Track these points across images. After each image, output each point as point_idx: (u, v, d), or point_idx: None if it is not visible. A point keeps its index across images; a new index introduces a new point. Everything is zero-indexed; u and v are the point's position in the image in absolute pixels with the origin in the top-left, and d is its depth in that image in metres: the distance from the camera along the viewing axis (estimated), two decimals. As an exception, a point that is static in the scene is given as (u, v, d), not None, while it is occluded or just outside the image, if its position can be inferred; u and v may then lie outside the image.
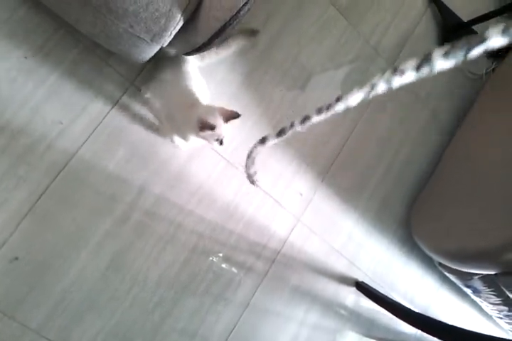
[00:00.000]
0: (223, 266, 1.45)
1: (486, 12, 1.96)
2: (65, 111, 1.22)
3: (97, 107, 1.26)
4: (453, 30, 2.02)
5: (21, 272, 1.16)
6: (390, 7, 1.89)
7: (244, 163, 0.90)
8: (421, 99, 1.96)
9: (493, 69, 2.14)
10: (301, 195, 1.63)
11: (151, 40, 1.00)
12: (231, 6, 0.89)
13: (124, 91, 1.30)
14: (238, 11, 0.90)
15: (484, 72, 2.13)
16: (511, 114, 1.69)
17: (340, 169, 1.71)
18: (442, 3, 2.01)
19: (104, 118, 1.27)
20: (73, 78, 1.23)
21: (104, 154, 1.27)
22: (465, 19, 2.03)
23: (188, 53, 1.13)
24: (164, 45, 1.03)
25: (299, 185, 1.62)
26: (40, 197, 1.18)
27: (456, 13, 2.04)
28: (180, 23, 0.98)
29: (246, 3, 0.89)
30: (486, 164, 1.65)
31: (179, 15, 0.96)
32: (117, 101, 1.29)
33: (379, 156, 1.84)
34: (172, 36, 1.00)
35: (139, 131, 1.32)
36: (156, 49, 1.09)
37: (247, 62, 1.51)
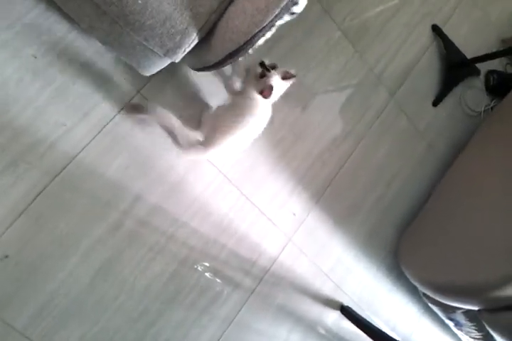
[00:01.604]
0: (211, 280, 1.45)
1: (491, 51, 2.02)
2: (70, 114, 1.22)
3: (102, 112, 1.26)
4: (456, 66, 2.07)
5: (10, 271, 1.15)
6: (397, 38, 1.94)
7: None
8: (419, 132, 2.00)
9: (492, 108, 2.19)
10: (295, 214, 1.64)
11: (164, 55, 1.01)
12: (247, 31, 0.91)
13: (130, 99, 1.31)
14: (253, 36, 0.92)
15: (483, 109, 2.17)
16: (508, 151, 1.72)
17: (335, 192, 1.73)
18: (448, 38, 2.07)
19: (107, 123, 1.27)
20: (80, 81, 1.23)
21: (104, 159, 1.27)
22: (468, 56, 2.09)
23: (199, 69, 1.15)
24: (177, 61, 1.05)
25: (293, 205, 1.63)
26: (36, 198, 1.17)
27: (460, 49, 2.09)
28: (195, 41, 1.00)
29: (261, 30, 0.91)
30: (480, 200, 1.67)
31: (195, 34, 0.98)
32: (122, 108, 1.29)
33: (374, 183, 1.86)
34: (185, 53, 1.02)
35: (140, 140, 1.32)
36: (167, 63, 1.11)
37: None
